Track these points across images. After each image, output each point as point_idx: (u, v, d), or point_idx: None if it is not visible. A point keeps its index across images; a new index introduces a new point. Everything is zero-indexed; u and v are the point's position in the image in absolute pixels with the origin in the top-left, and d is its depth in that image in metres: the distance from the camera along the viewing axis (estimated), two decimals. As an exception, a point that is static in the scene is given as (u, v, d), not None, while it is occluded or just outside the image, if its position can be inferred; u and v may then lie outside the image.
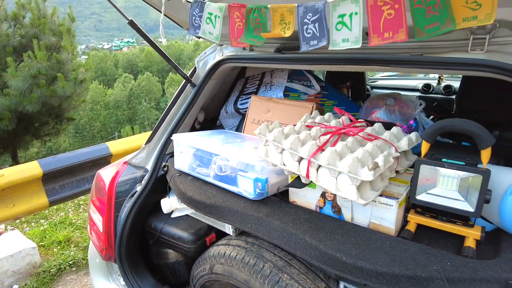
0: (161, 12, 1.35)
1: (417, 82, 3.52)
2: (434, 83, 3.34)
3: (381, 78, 4.08)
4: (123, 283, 1.40)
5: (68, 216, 3.65)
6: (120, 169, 1.53)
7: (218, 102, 1.82)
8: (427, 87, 3.29)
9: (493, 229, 0.94)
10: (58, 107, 6.83)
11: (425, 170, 0.88)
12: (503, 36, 0.93)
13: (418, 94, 3.28)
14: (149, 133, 1.77)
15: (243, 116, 1.69)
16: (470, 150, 0.95)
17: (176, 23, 1.47)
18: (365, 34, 0.91)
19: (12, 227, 3.43)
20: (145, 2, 1.40)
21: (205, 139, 1.33)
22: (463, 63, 0.96)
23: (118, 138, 3.37)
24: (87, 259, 2.94)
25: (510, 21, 0.90)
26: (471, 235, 0.88)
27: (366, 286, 0.96)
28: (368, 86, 3.53)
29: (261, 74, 1.82)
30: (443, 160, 0.89)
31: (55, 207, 3.81)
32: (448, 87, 3.12)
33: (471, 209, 0.84)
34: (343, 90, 1.96)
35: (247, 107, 1.62)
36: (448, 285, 0.75)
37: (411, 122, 1.45)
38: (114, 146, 2.98)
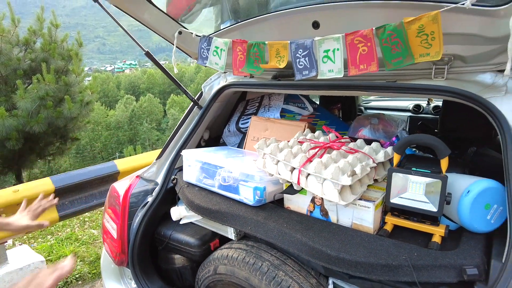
0: (173, 45, 1.56)
1: (408, 103, 3.73)
2: (424, 103, 3.55)
3: (375, 100, 4.30)
4: (134, 286, 1.54)
5: (74, 232, 3.77)
6: (133, 182, 1.70)
7: (221, 122, 2.01)
8: (417, 108, 3.48)
9: (457, 227, 1.10)
10: (64, 127, 7.05)
11: (396, 177, 1.05)
12: (458, 67, 1.13)
13: (409, 114, 3.47)
14: (153, 151, 1.96)
15: (244, 134, 1.88)
16: (436, 161, 1.13)
17: (186, 54, 1.68)
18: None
19: (20, 243, 3.54)
20: (159, 35, 1.61)
21: (211, 154, 1.51)
22: (428, 89, 1.16)
23: (119, 158, 3.54)
24: (93, 273, 3.06)
25: (462, 55, 1.10)
26: (437, 232, 1.04)
27: (351, 280, 1.12)
28: (362, 107, 3.73)
29: (260, 97, 2.02)
30: (413, 169, 1.07)
31: (61, 223, 3.94)
32: (437, 108, 3.29)
33: (435, 209, 1.01)
34: (334, 111, 2.16)
35: (247, 127, 1.81)
36: (413, 271, 0.91)
37: (394, 139, 1.63)
38: (121, 164, 3.15)
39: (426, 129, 2.32)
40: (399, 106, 3.77)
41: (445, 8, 0.89)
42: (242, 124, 1.90)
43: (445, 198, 1.00)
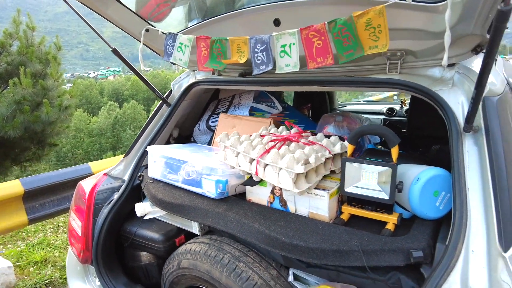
0: (140, 42, 1.57)
1: (382, 106, 3.83)
2: (397, 107, 3.66)
3: (351, 104, 4.40)
4: (99, 283, 1.51)
5: (47, 237, 3.67)
6: (99, 179, 1.68)
7: (192, 121, 2.02)
8: (391, 111, 3.59)
9: (410, 216, 1.13)
10: (41, 132, 6.87)
11: (350, 167, 1.08)
12: (410, 62, 1.18)
13: (383, 117, 3.57)
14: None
15: (214, 133, 1.89)
16: (390, 153, 1.17)
17: (153, 51, 1.69)
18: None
19: (-12, 249, 3.42)
20: (127, 33, 1.62)
21: (176, 150, 1.51)
22: (383, 82, 1.20)
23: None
24: (64, 278, 2.97)
25: (413, 50, 1.15)
26: (390, 220, 1.08)
27: (309, 269, 1.13)
28: (338, 110, 3.81)
29: (231, 96, 2.05)
30: (367, 159, 1.10)
31: (33, 228, 3.82)
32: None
33: (387, 197, 1.04)
34: (304, 111, 2.20)
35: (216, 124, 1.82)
36: (363, 256, 0.94)
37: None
38: (95, 166, 3.11)
39: (393, 129, 2.38)
40: (374, 110, 3.87)
41: (389, 3, 0.94)
42: (212, 122, 1.91)
43: (396, 186, 1.04)
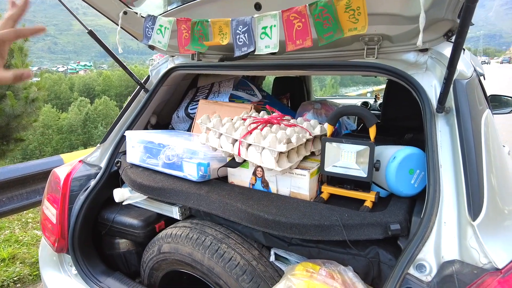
0: (118, 25, 1.53)
1: (357, 100, 3.96)
2: (371, 101, 3.79)
3: (328, 98, 4.50)
4: (75, 272, 1.47)
5: (14, 234, 3.50)
6: (75, 166, 1.63)
7: (170, 108, 1.99)
8: (365, 105, 3.71)
9: (387, 194, 1.18)
10: (6, 126, 6.53)
11: (329, 147, 1.11)
12: (387, 47, 1.23)
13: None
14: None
15: (193, 120, 1.87)
16: (368, 136, 1.21)
17: (131, 34, 1.65)
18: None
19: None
20: (103, 15, 1.57)
21: (155, 134, 1.49)
22: (361, 66, 1.24)
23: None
24: (34, 275, 2.85)
25: (389, 35, 1.19)
26: (368, 198, 1.12)
27: (290, 247, 1.16)
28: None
29: (210, 84, 2.04)
30: (346, 138, 1.14)
31: (1, 225, 3.64)
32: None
33: (365, 175, 1.08)
34: (282, 100, 2.23)
35: (195, 112, 1.81)
36: (344, 230, 0.97)
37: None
38: (68, 158, 3.00)
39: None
40: (349, 104, 3.98)
41: (369, -15, 0.97)
42: (191, 109, 1.89)
43: (373, 165, 1.08)
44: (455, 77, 1.09)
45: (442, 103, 1.04)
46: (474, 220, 0.88)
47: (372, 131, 1.09)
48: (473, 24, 2.47)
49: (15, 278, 2.76)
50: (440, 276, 0.84)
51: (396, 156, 1.08)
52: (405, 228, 0.98)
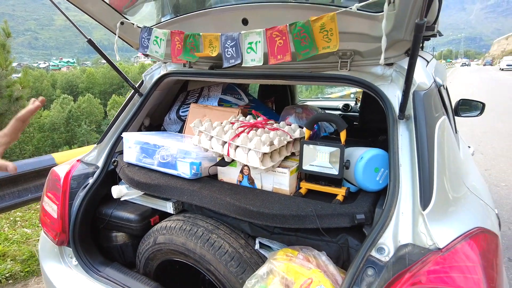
0: (115, 35, 1.65)
1: (339, 103, 4.16)
2: (352, 103, 3.99)
3: (310, 100, 4.69)
4: (75, 263, 1.59)
5: (3, 232, 3.55)
6: (73, 165, 1.75)
7: (162, 111, 2.12)
8: (346, 107, 3.90)
9: (357, 190, 1.36)
10: (-10, 125, 6.48)
11: (307, 148, 1.28)
12: (358, 61, 1.40)
13: (339, 112, 3.87)
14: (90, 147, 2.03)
15: (184, 122, 2.01)
16: (340, 139, 1.38)
17: (127, 43, 1.77)
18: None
19: None
20: (102, 25, 1.69)
21: (151, 136, 1.62)
22: (335, 77, 1.41)
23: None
24: (25, 271, 2.93)
25: (360, 51, 1.36)
26: (340, 193, 1.29)
27: (273, 236, 1.32)
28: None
29: (200, 88, 2.18)
30: (321, 141, 1.31)
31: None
32: None
33: (336, 172, 1.25)
34: (268, 104, 2.39)
35: (187, 115, 1.95)
36: (317, 219, 1.13)
37: (315, 125, 1.89)
38: (60, 157, 3.08)
39: (347, 121, 2.66)
40: (331, 106, 4.17)
41: (340, 11, 1.14)
42: (182, 112, 2.03)
43: (344, 164, 1.25)
44: (414, 89, 1.27)
45: (403, 111, 1.22)
46: (424, 210, 1.06)
47: (343, 135, 1.27)
48: (442, 35, 2.73)
49: (6, 275, 2.84)
50: (395, 256, 1.02)
51: (363, 157, 1.26)
52: (369, 217, 1.15)
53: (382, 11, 1.10)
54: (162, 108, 2.10)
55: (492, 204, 1.45)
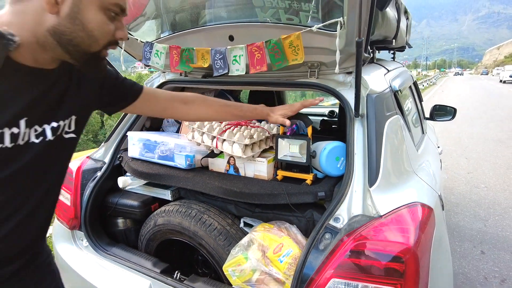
0: (121, 48, 1.94)
1: (324, 109, 4.47)
2: (336, 109, 4.30)
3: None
4: (86, 244, 1.85)
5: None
6: (83, 161, 2.01)
7: (161, 115, 2.40)
8: (331, 113, 4.21)
9: (323, 176, 1.64)
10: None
11: (281, 141, 1.56)
12: (324, 70, 1.69)
13: (325, 118, 4.18)
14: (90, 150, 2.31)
15: (180, 124, 2.29)
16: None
17: (131, 55, 2.06)
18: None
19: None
20: (109, 40, 1.98)
21: (151, 134, 1.90)
22: (305, 84, 1.70)
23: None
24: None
25: (325, 62, 1.66)
26: (308, 178, 1.57)
27: (254, 214, 1.59)
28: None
29: (194, 95, 2.46)
30: (292, 136, 1.59)
31: None
32: None
33: (304, 161, 1.53)
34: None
35: (183, 117, 2.23)
36: (287, 196, 1.41)
37: (294, 126, 2.18)
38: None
39: (326, 124, 2.97)
40: (317, 112, 4.49)
41: (303, 30, 1.43)
42: (179, 115, 2.31)
43: (310, 154, 1.53)
44: (367, 92, 1.56)
45: (357, 110, 1.51)
46: (370, 187, 1.34)
47: (309, 130, 1.56)
48: (412, 47, 3.08)
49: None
50: (348, 224, 1.29)
51: (326, 148, 1.54)
52: (329, 195, 1.43)
53: (336, 30, 1.40)
54: (161, 112, 2.38)
55: (437, 188, 1.73)
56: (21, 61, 0.77)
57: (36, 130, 0.83)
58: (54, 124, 0.87)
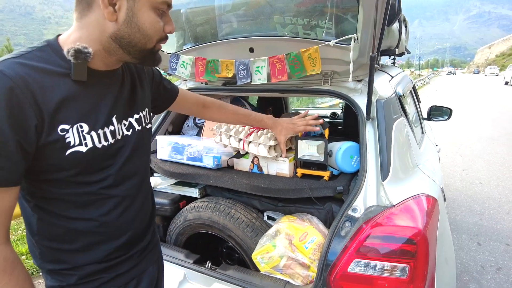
0: (149, 59, 2.12)
1: (327, 111, 4.68)
2: (339, 111, 4.51)
3: (302, 109, 5.20)
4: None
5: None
6: (114, 163, 2.18)
7: (182, 119, 2.58)
8: (333, 114, 4.41)
9: (338, 173, 1.83)
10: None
11: (300, 143, 1.75)
12: (336, 78, 1.89)
13: (328, 119, 4.38)
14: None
15: (199, 128, 2.47)
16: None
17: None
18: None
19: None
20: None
21: (179, 138, 2.08)
22: (319, 91, 1.89)
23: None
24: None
25: (338, 71, 1.85)
26: (325, 175, 1.76)
27: (278, 208, 1.77)
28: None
29: (211, 100, 2.64)
30: (311, 137, 1.78)
31: (14, 224, 4.04)
32: None
33: (322, 159, 1.72)
34: (267, 112, 2.87)
35: (202, 122, 2.41)
36: (310, 191, 1.60)
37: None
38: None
39: (332, 126, 3.17)
40: (321, 114, 4.69)
41: (321, 45, 1.63)
42: (198, 120, 2.49)
43: (327, 153, 1.72)
44: (376, 98, 1.76)
45: (368, 114, 1.70)
46: (383, 181, 1.53)
47: (326, 132, 1.75)
48: (410, 53, 3.32)
49: (37, 268, 3.21)
50: (364, 213, 1.48)
51: (341, 147, 1.73)
52: (346, 189, 1.62)
53: (350, 44, 1.59)
54: (181, 117, 2.56)
55: (439, 181, 1.93)
56: (96, 67, 0.92)
57: (125, 124, 0.99)
58: (136, 116, 1.04)
